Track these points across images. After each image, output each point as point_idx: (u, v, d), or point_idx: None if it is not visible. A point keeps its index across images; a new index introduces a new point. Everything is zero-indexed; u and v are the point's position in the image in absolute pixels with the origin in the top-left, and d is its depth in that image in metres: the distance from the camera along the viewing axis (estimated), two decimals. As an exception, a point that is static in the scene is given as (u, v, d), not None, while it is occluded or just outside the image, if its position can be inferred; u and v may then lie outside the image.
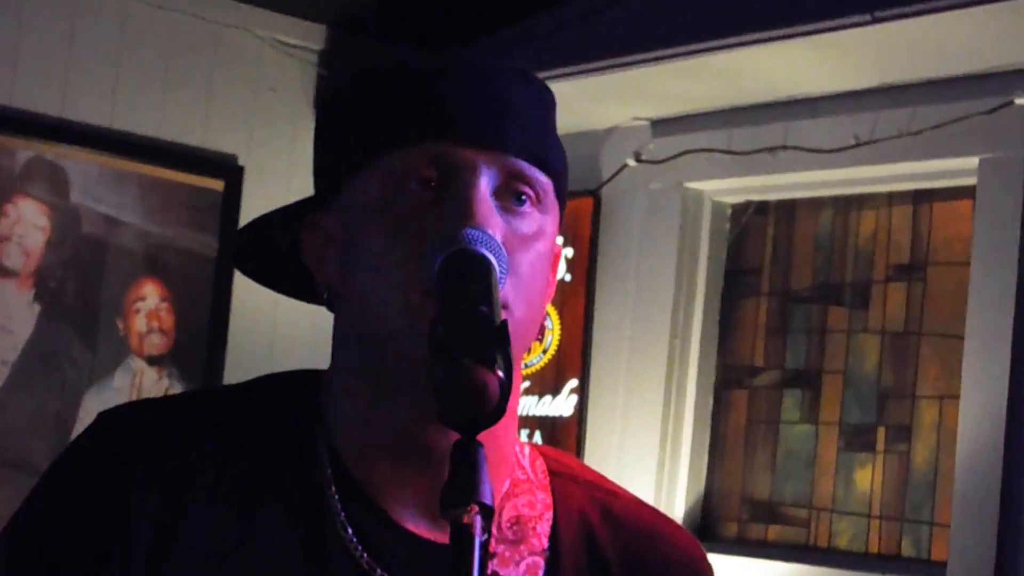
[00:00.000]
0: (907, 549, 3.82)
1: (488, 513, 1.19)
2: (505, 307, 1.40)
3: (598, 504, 1.57)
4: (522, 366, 1.55)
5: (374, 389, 1.45)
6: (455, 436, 1.23)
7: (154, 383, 4.64)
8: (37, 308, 4.50)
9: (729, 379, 4.33)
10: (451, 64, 1.47)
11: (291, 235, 1.54)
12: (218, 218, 4.73)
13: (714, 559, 4.03)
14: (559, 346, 4.49)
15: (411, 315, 1.38)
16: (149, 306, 4.66)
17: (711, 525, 4.26)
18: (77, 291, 4.56)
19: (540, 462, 1.57)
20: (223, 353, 4.74)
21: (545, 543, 1.51)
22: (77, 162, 4.56)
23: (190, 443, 1.46)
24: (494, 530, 1.50)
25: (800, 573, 3.83)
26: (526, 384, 4.53)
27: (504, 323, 1.27)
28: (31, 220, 4.49)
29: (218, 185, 4.76)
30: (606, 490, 1.59)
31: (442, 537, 1.42)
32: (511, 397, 1.38)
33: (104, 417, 1.48)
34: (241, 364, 4.74)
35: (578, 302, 4.48)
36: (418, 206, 1.42)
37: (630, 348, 4.36)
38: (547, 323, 4.52)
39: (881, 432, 3.93)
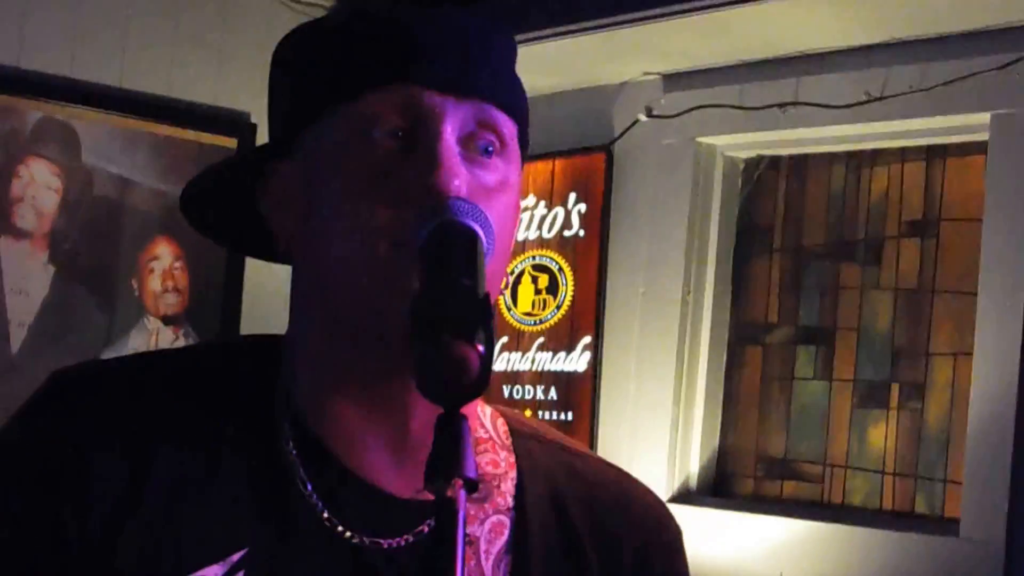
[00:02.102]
0: (921, 506, 3.82)
1: (472, 487, 1.18)
2: None
3: (563, 463, 1.56)
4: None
5: (336, 341, 1.44)
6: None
7: (170, 342, 4.65)
8: (52, 270, 4.51)
9: (743, 335, 4.32)
10: (417, 8, 1.45)
11: (245, 186, 1.51)
12: (231, 176, 4.72)
13: (728, 516, 4.07)
14: (573, 302, 4.49)
15: (378, 266, 1.37)
16: (163, 265, 4.67)
17: (725, 482, 4.27)
18: (91, 252, 4.57)
19: (501, 422, 1.57)
20: (239, 310, 4.75)
21: (510, 501, 1.51)
22: (88, 122, 4.55)
23: (149, 402, 1.45)
24: None
25: (814, 530, 3.83)
26: (540, 340, 4.53)
27: (487, 296, 1.27)
28: (43, 181, 4.49)
29: (231, 143, 4.75)
30: (571, 450, 1.59)
31: (403, 491, 1.44)
32: None
33: (57, 377, 1.47)
34: (257, 320, 4.75)
35: (592, 258, 4.47)
36: (384, 156, 1.40)
37: (643, 304, 4.35)
38: (561, 279, 4.52)
39: (895, 389, 3.92)
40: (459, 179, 1.39)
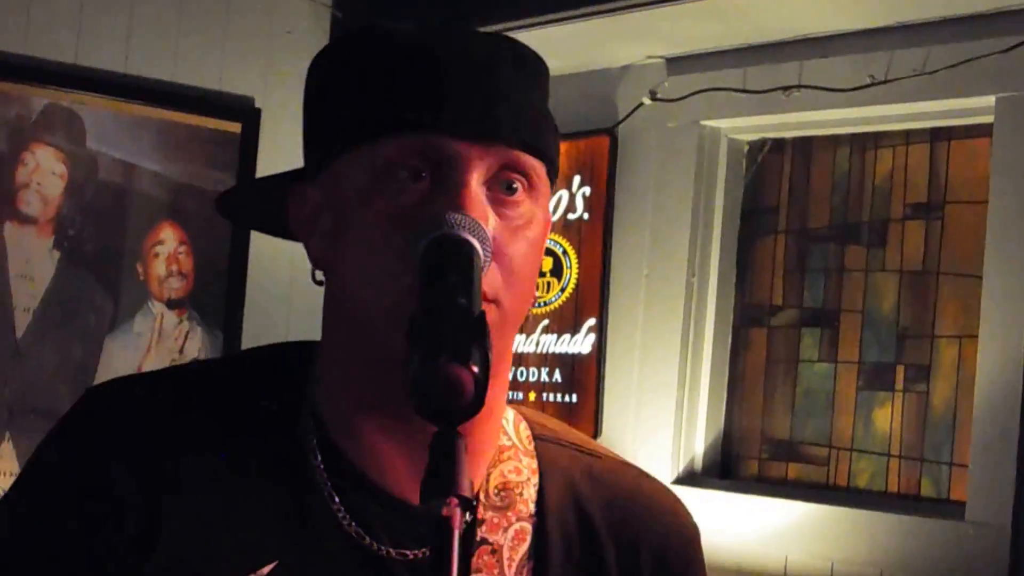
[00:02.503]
0: (926, 489, 3.83)
1: (467, 505, 1.19)
2: (495, 301, 1.41)
3: (582, 466, 1.58)
4: (513, 341, 1.55)
5: (361, 364, 1.46)
6: None
7: (174, 326, 4.66)
8: (57, 255, 4.52)
9: (747, 318, 4.33)
10: (439, 43, 1.44)
11: (277, 202, 1.54)
12: (235, 160, 4.74)
13: (733, 498, 4.08)
14: (577, 284, 4.49)
15: (395, 307, 1.38)
16: (168, 250, 4.68)
17: (730, 464, 4.27)
18: (96, 237, 4.57)
19: (524, 426, 1.59)
20: (243, 294, 4.76)
21: (532, 508, 1.53)
22: (93, 108, 4.56)
23: (178, 416, 1.47)
24: (482, 497, 1.51)
25: (819, 513, 3.84)
26: (545, 322, 4.54)
27: (482, 315, 1.28)
28: (49, 167, 4.50)
29: (235, 128, 4.76)
30: (589, 451, 1.61)
31: None
32: (501, 370, 1.46)
33: (91, 392, 1.50)
34: (260, 304, 4.76)
35: (596, 241, 4.47)
36: (406, 198, 1.41)
37: (648, 287, 4.36)
38: (565, 262, 4.52)
39: (900, 371, 3.92)
40: (483, 221, 1.40)
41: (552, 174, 1.50)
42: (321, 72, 1.51)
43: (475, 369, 1.21)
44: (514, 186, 1.44)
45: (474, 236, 1.37)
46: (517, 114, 1.44)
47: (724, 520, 3.97)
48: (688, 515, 1.62)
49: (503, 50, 1.47)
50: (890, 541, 3.68)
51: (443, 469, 1.20)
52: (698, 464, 4.24)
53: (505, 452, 1.55)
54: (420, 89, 1.42)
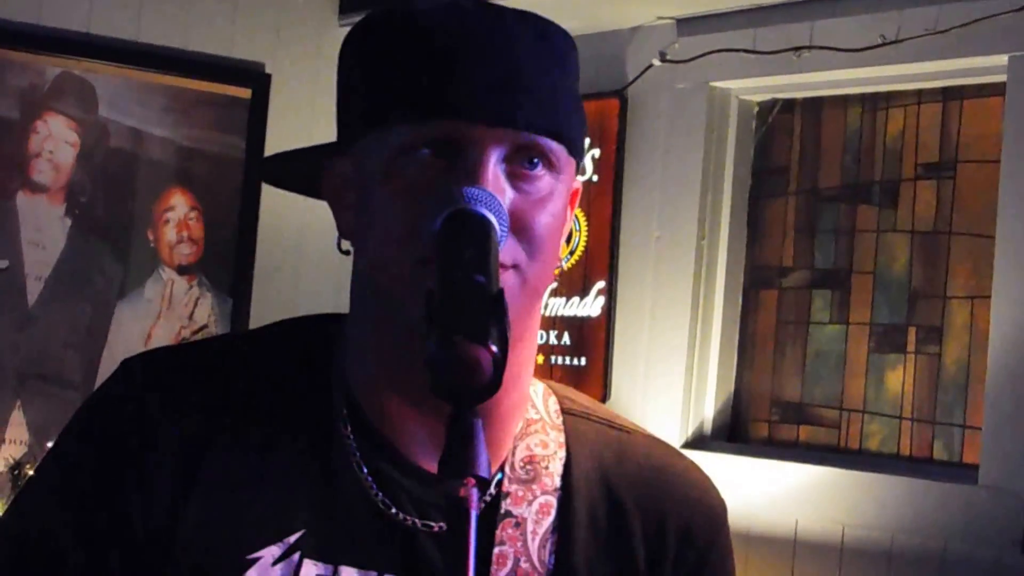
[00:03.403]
0: (939, 452, 3.81)
1: (484, 485, 1.20)
2: (515, 267, 1.41)
3: (611, 441, 1.58)
4: (539, 311, 1.55)
5: (385, 336, 1.47)
6: None
7: (184, 292, 4.67)
8: (68, 222, 4.53)
9: (758, 279, 4.31)
10: (458, 25, 1.43)
11: (312, 171, 1.56)
12: (246, 126, 4.73)
13: (743, 461, 4.06)
14: (587, 247, 4.48)
15: (413, 279, 1.39)
16: (178, 216, 4.68)
17: (740, 427, 4.26)
18: (107, 204, 4.58)
19: (553, 400, 1.59)
20: (252, 259, 4.76)
21: (558, 482, 1.53)
22: (105, 76, 4.56)
23: (209, 384, 1.49)
24: (507, 470, 1.52)
25: (830, 476, 3.82)
26: (554, 285, 4.53)
27: (500, 292, 1.27)
28: (61, 136, 4.51)
29: (245, 94, 4.76)
30: (619, 427, 1.60)
31: None
32: (527, 336, 1.46)
33: (127, 362, 1.52)
34: (270, 270, 4.77)
35: (605, 203, 4.46)
36: (423, 174, 1.41)
37: (658, 249, 4.34)
38: (575, 224, 4.51)
39: (911, 333, 3.90)
40: (501, 195, 1.40)
41: (576, 153, 1.49)
42: (348, 51, 1.51)
43: (493, 348, 1.21)
44: (534, 160, 1.43)
45: (490, 210, 1.37)
46: (536, 98, 1.43)
47: (734, 483, 3.95)
48: (717, 494, 1.61)
49: (525, 28, 1.45)
50: (902, 504, 3.67)
51: (460, 449, 1.19)
52: (708, 427, 4.23)
53: (532, 425, 1.55)
54: (436, 76, 1.41)
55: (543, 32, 1.47)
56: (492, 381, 1.21)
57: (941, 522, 3.59)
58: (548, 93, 1.44)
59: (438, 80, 1.41)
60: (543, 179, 1.44)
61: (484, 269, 1.29)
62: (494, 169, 1.40)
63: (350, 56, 1.51)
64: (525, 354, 1.50)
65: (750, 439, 4.23)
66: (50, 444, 1.55)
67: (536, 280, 1.44)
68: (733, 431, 4.26)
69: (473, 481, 1.18)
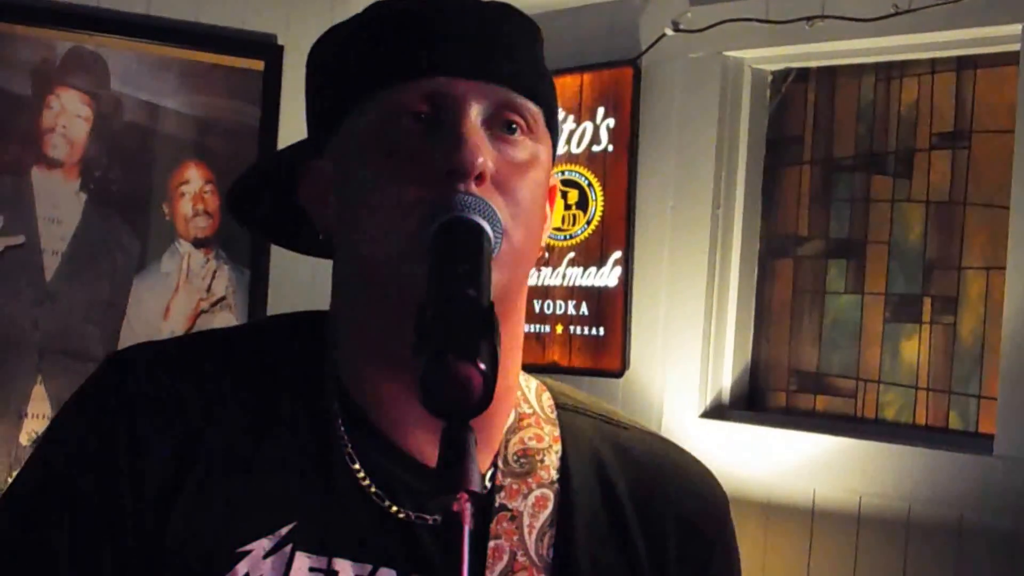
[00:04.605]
0: (954, 421, 3.82)
1: (478, 500, 1.19)
2: (503, 233, 1.41)
3: (607, 436, 1.58)
4: (525, 288, 1.55)
5: (375, 318, 1.47)
6: None
7: (201, 265, 4.68)
8: (83, 197, 4.54)
9: (773, 248, 4.32)
10: (435, 4, 1.47)
11: (287, 182, 1.55)
12: (259, 98, 4.73)
13: (761, 431, 4.06)
14: (603, 217, 4.49)
15: (408, 242, 1.39)
16: (193, 189, 4.69)
17: (758, 396, 4.28)
18: (122, 178, 4.59)
19: (547, 396, 1.59)
20: (269, 231, 4.76)
21: (554, 475, 1.53)
22: (116, 50, 4.56)
23: (200, 377, 1.48)
24: (500, 463, 1.52)
25: (847, 445, 3.84)
26: (571, 255, 4.54)
27: (491, 306, 1.27)
28: (74, 110, 4.51)
29: (258, 65, 4.75)
30: (616, 422, 1.61)
31: None
32: (515, 310, 1.46)
33: (110, 359, 1.51)
34: (287, 243, 4.76)
35: (621, 172, 4.46)
36: (410, 138, 1.42)
37: (673, 218, 4.35)
38: (591, 194, 4.52)
39: (927, 303, 3.91)
40: (483, 156, 1.41)
41: (551, 124, 1.51)
42: (319, 50, 1.54)
43: (482, 366, 1.21)
44: (513, 126, 1.45)
45: (484, 217, 1.38)
46: (511, 58, 1.46)
47: (752, 453, 3.99)
48: (717, 485, 1.62)
49: (497, 8, 1.50)
50: (918, 474, 3.69)
51: (453, 464, 1.19)
52: (725, 397, 4.25)
53: (525, 420, 1.55)
54: (417, 39, 1.44)
55: (514, 13, 1.51)
56: (482, 398, 1.21)
57: (957, 491, 3.61)
58: (524, 57, 1.48)
59: (419, 42, 1.44)
60: (524, 143, 1.46)
61: (475, 282, 1.29)
62: (476, 125, 1.42)
63: (322, 52, 1.53)
64: (512, 326, 1.49)
65: (768, 409, 4.25)
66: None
67: (523, 247, 1.44)
68: (750, 401, 4.27)
69: (466, 496, 1.18)
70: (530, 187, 1.45)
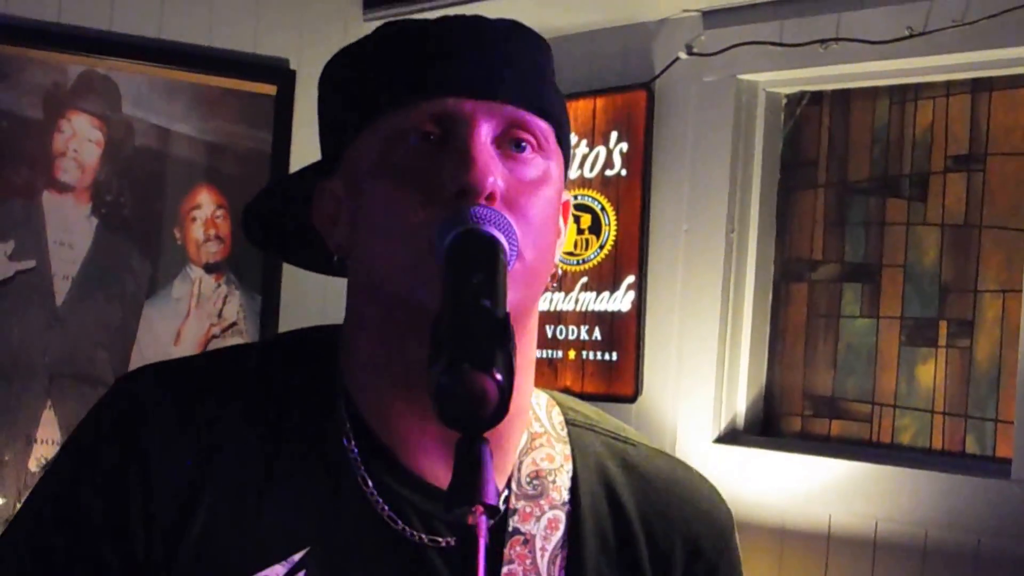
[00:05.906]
0: (971, 446, 3.79)
1: (493, 513, 1.18)
2: (516, 252, 1.40)
3: (616, 453, 1.59)
4: (537, 307, 1.54)
5: (388, 339, 1.46)
6: None
7: (212, 290, 4.67)
8: (95, 221, 4.53)
9: (788, 272, 4.29)
10: (443, 21, 1.47)
11: (300, 203, 1.55)
12: (271, 123, 4.73)
13: (776, 456, 4.04)
14: (616, 242, 4.47)
15: (417, 265, 1.39)
16: (205, 214, 4.68)
17: (772, 421, 4.25)
18: (133, 203, 4.58)
19: (557, 411, 1.59)
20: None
21: (566, 496, 1.53)
22: (128, 74, 4.56)
23: (211, 400, 1.48)
24: (514, 486, 1.51)
25: (862, 470, 3.81)
26: (584, 280, 4.52)
27: (506, 317, 1.26)
28: (85, 134, 4.51)
29: (270, 90, 4.75)
30: (624, 439, 1.61)
31: None
32: (528, 328, 1.45)
33: (120, 383, 1.51)
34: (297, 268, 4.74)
35: (634, 197, 4.45)
36: (419, 159, 1.42)
37: (687, 243, 4.33)
38: (604, 218, 4.50)
39: (943, 327, 3.88)
40: (493, 175, 1.40)
41: (563, 141, 1.51)
42: (330, 71, 1.55)
43: (499, 377, 1.20)
44: (522, 144, 1.45)
45: (499, 230, 1.37)
46: (519, 76, 1.46)
47: (767, 478, 3.95)
48: (723, 503, 1.62)
49: (505, 26, 1.49)
50: (935, 499, 3.65)
51: (468, 477, 1.18)
52: (740, 422, 4.21)
53: (537, 439, 1.55)
54: (425, 59, 1.44)
55: (525, 31, 1.51)
56: (498, 409, 1.20)
57: (974, 516, 3.58)
58: (532, 74, 1.48)
59: (428, 62, 1.44)
60: (534, 161, 1.45)
61: (491, 293, 1.28)
62: (485, 145, 1.42)
63: (333, 73, 1.53)
64: (525, 344, 1.48)
65: (782, 433, 4.21)
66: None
67: (534, 264, 1.43)
68: (765, 426, 4.24)
69: (482, 509, 1.17)
70: (541, 205, 1.45)
